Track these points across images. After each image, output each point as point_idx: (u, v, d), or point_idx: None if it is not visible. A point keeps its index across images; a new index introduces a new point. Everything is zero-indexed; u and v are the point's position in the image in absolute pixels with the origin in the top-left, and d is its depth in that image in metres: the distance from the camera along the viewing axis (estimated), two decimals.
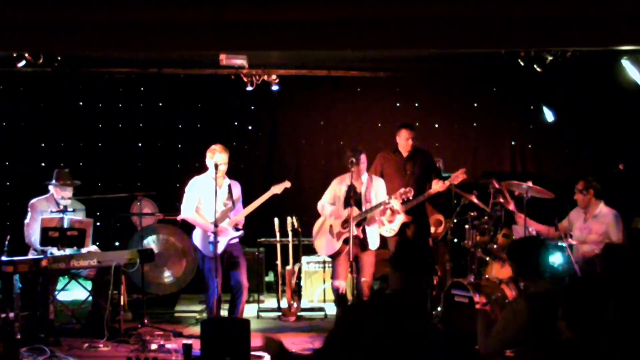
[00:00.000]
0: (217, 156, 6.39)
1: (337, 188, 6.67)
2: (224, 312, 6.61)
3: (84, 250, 6.55)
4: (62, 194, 6.84)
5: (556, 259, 6.29)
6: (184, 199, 6.54)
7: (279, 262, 7.63)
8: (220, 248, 6.31)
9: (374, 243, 6.55)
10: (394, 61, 8.14)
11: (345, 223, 6.42)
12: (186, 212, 6.52)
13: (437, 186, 6.94)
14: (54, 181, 6.88)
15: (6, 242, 6.09)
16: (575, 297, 3.01)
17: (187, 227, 6.79)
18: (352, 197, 6.39)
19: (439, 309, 6.69)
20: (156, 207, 7.86)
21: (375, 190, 6.65)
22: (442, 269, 7.31)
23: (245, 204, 6.64)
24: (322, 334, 6.46)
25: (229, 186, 6.57)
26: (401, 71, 8.49)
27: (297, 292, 7.60)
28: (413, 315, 3.05)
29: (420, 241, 7.20)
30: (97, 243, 7.11)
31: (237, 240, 6.58)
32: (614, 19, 5.49)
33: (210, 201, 6.33)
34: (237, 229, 6.55)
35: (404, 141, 7.18)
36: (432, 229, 7.62)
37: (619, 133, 8.30)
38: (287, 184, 6.68)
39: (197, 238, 6.55)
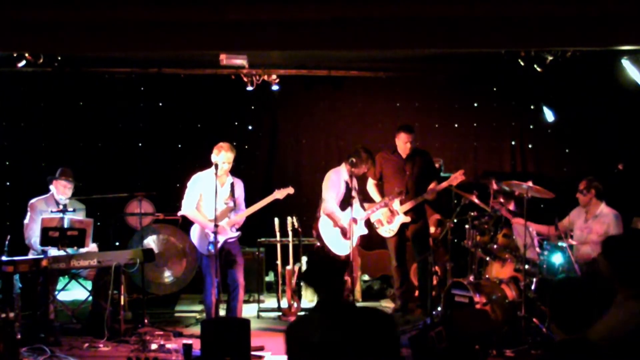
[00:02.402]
0: (222, 154, 6.38)
1: (337, 182, 6.94)
2: (223, 312, 6.61)
3: (83, 250, 6.55)
4: (62, 193, 6.83)
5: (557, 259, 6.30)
6: (185, 194, 6.53)
7: (279, 262, 7.63)
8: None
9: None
10: (394, 61, 8.14)
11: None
12: (187, 208, 6.51)
13: (427, 194, 7.02)
14: (57, 175, 6.86)
15: (6, 242, 6.09)
16: (561, 297, 2.97)
17: (187, 228, 6.78)
18: (359, 197, 6.57)
19: (439, 308, 6.69)
20: (154, 207, 7.85)
21: (354, 186, 6.94)
22: (442, 269, 7.30)
23: (246, 204, 6.64)
24: None
25: (232, 185, 6.55)
26: (401, 71, 8.48)
27: (297, 292, 7.59)
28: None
29: (420, 241, 7.22)
30: (98, 242, 7.11)
31: (235, 238, 6.58)
32: (614, 19, 5.49)
33: (211, 199, 6.31)
34: (235, 230, 6.55)
35: (402, 144, 7.19)
36: (432, 229, 7.62)
37: (619, 133, 8.29)
38: (290, 190, 6.68)
39: (194, 235, 6.54)
